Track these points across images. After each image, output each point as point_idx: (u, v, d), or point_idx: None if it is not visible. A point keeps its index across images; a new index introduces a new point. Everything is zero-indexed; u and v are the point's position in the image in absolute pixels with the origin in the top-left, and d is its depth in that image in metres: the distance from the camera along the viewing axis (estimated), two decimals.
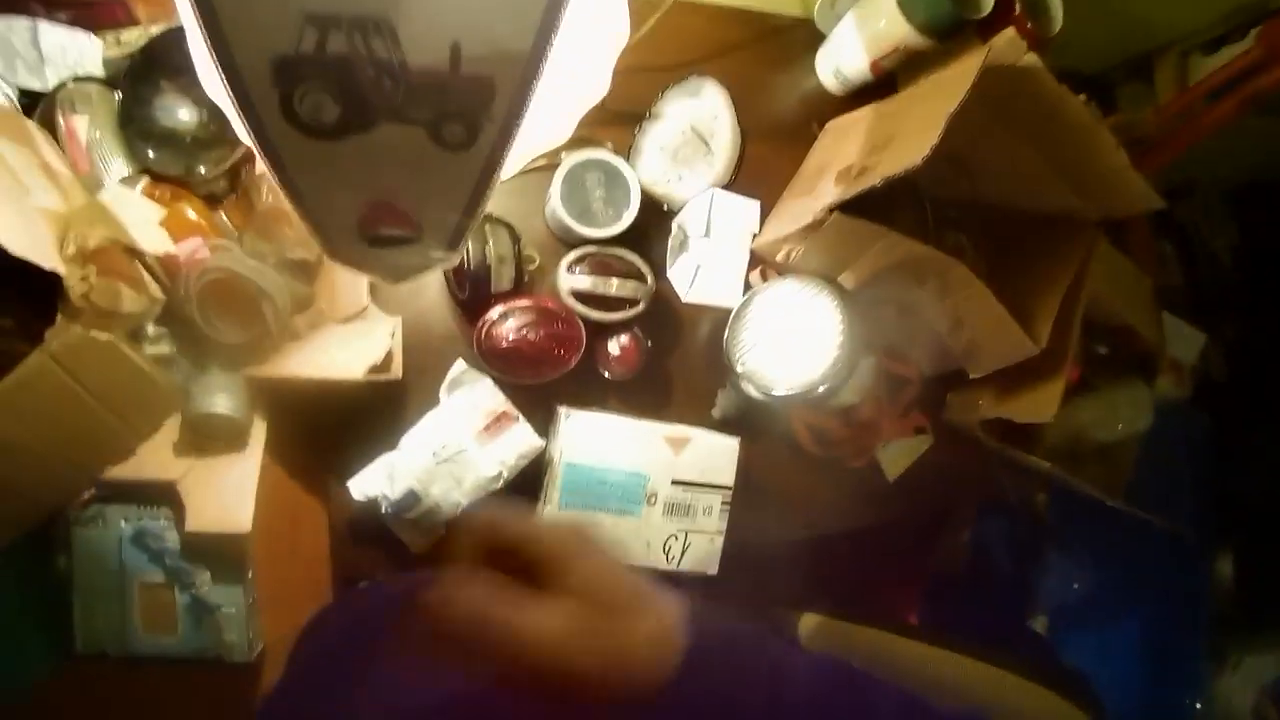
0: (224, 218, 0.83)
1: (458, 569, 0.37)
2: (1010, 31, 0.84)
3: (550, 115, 0.52)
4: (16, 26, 0.79)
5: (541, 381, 0.87)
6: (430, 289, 0.91)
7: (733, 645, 0.41)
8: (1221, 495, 1.51)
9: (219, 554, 0.81)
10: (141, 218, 0.75)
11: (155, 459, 0.79)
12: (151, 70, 0.81)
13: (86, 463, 0.67)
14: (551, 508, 0.84)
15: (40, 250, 0.60)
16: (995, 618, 1.57)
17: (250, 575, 0.82)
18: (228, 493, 0.80)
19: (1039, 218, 1.00)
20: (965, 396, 1.05)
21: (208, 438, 0.79)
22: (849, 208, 0.81)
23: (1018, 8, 0.97)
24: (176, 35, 0.80)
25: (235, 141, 0.80)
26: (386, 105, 0.48)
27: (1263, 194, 1.57)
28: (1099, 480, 1.09)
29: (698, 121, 0.97)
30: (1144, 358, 1.15)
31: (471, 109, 0.48)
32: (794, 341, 0.86)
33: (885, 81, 1.04)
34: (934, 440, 1.06)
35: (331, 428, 0.85)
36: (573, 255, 0.88)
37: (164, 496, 0.80)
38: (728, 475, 0.91)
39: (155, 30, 0.82)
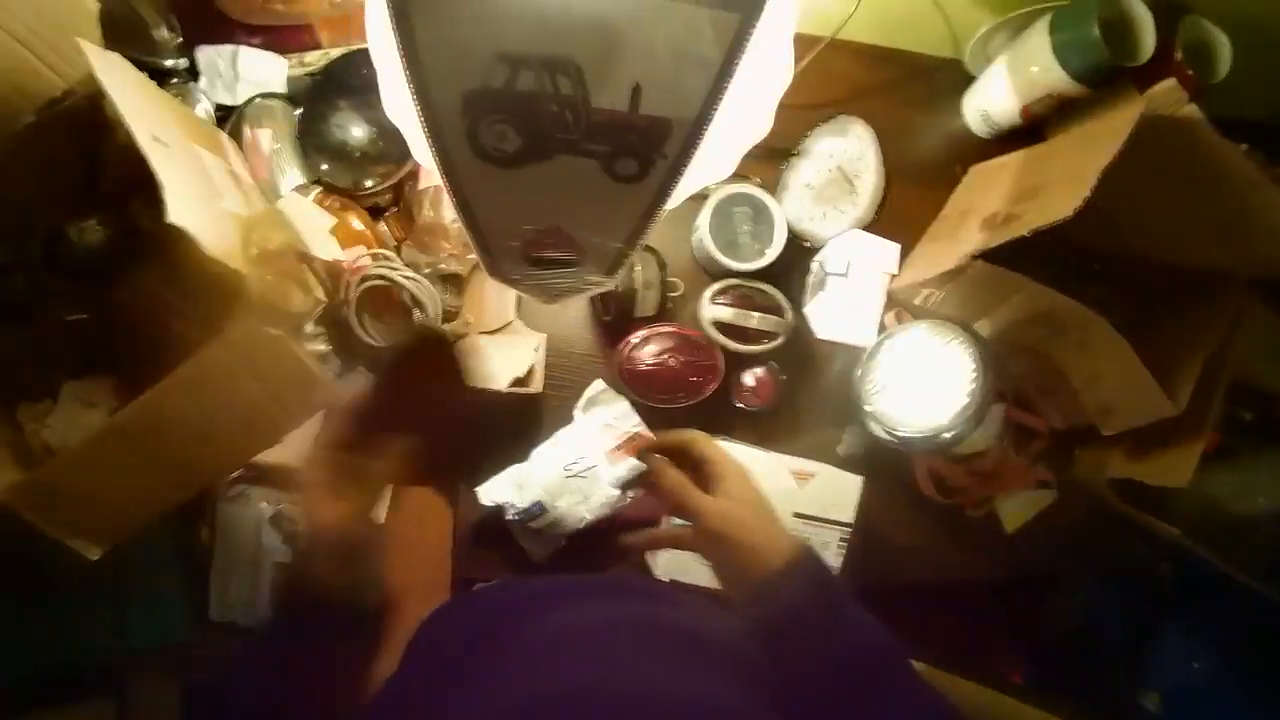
0: (385, 229, 0.89)
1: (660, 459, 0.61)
2: (1170, 81, 0.80)
3: (715, 153, 0.54)
4: (223, 52, 0.88)
5: (677, 406, 0.89)
6: (575, 309, 0.94)
7: (820, 583, 0.54)
8: None
9: None
10: (314, 225, 0.81)
11: (302, 448, 0.84)
12: (329, 89, 0.88)
13: (246, 443, 0.72)
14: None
15: (229, 250, 0.66)
16: (1103, 686, 1.49)
17: None
18: None
19: (1188, 274, 0.95)
20: (1095, 454, 1.00)
21: None
22: (991, 255, 0.80)
23: (1179, 54, 0.93)
24: (354, 58, 0.88)
25: (401, 158, 0.86)
26: (566, 139, 0.51)
27: None
28: (1234, 555, 1.02)
29: (844, 161, 0.98)
30: None
31: (646, 146, 0.51)
32: (924, 385, 0.85)
33: (1034, 127, 1.01)
34: (1057, 496, 1.02)
35: (468, 434, 0.89)
36: (716, 286, 0.90)
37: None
38: (848, 513, 0.91)
39: (335, 53, 0.89)
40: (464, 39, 0.47)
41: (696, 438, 0.61)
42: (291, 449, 0.81)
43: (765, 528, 0.56)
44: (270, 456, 0.80)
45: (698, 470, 0.60)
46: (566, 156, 0.52)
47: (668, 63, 0.47)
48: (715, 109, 0.49)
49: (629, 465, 0.86)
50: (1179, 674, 1.44)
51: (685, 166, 0.52)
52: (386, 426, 0.57)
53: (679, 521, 0.60)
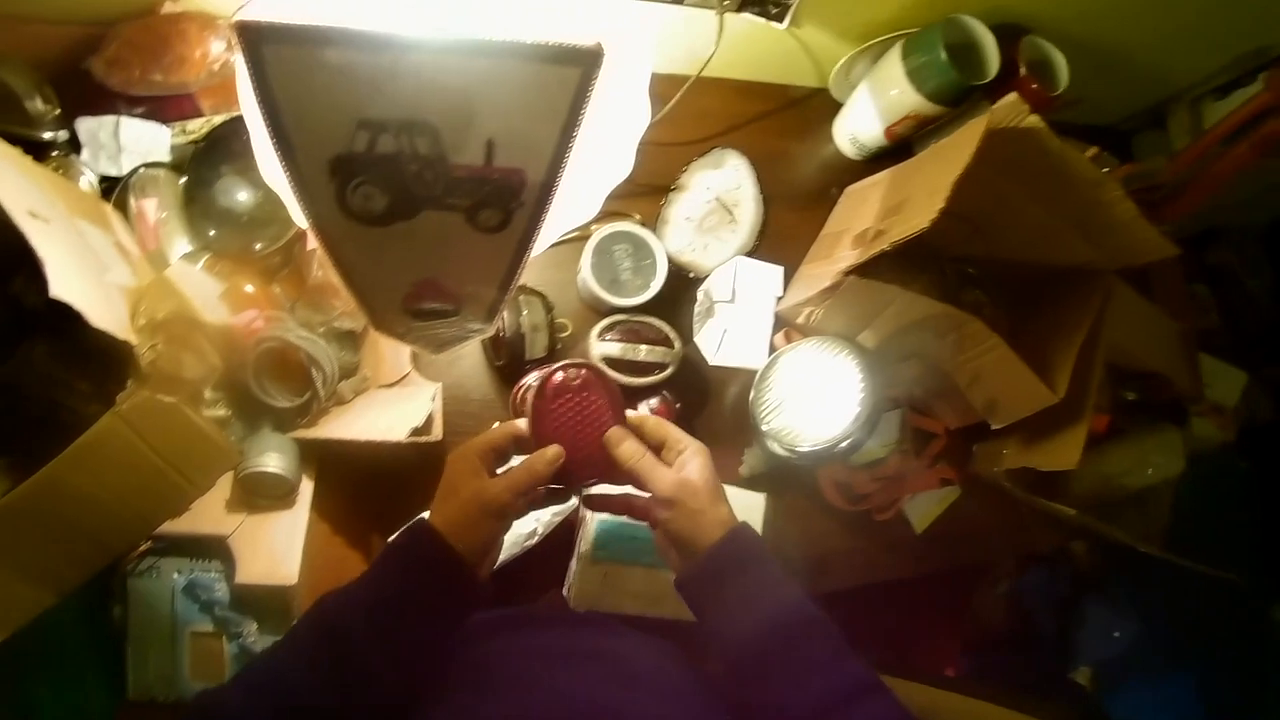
0: (277, 290, 0.89)
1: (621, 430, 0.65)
2: (1011, 96, 0.86)
3: (578, 196, 0.57)
4: (105, 123, 0.87)
5: None
6: (469, 357, 0.95)
7: (754, 554, 0.61)
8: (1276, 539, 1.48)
9: (267, 605, 0.85)
10: (204, 292, 0.81)
11: (209, 514, 0.83)
12: (213, 156, 0.88)
13: (148, 514, 0.71)
14: (584, 560, 0.87)
15: (117, 322, 0.66)
16: (1035, 670, 1.54)
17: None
18: (277, 547, 0.84)
19: (1055, 270, 1.02)
20: (990, 448, 1.06)
21: (259, 495, 0.84)
22: (867, 270, 0.84)
23: (1022, 70, 1.01)
24: (235, 124, 0.88)
25: (289, 221, 0.87)
26: (428, 195, 0.53)
27: None
28: (1134, 528, 1.08)
29: (722, 192, 1.02)
30: (1174, 403, 1.15)
31: (504, 196, 0.54)
32: (817, 400, 0.89)
33: (901, 146, 1.08)
34: (962, 492, 1.07)
35: (376, 486, 0.89)
36: (604, 323, 0.93)
37: (216, 550, 0.85)
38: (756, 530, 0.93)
39: (217, 120, 0.89)
40: (324, 108, 0.49)
41: (660, 421, 0.66)
42: (201, 516, 0.82)
43: (714, 502, 0.62)
44: (178, 526, 0.79)
45: (657, 450, 0.65)
46: (432, 212, 0.54)
47: (517, 118, 0.50)
48: (566, 157, 0.52)
49: None
50: (1103, 645, 1.51)
51: (544, 213, 0.55)
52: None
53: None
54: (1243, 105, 1.13)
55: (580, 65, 0.48)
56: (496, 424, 0.69)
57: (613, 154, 0.61)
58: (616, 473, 0.65)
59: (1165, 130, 1.29)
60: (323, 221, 0.54)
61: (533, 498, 0.64)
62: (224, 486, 0.85)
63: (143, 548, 0.85)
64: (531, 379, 0.83)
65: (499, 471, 0.63)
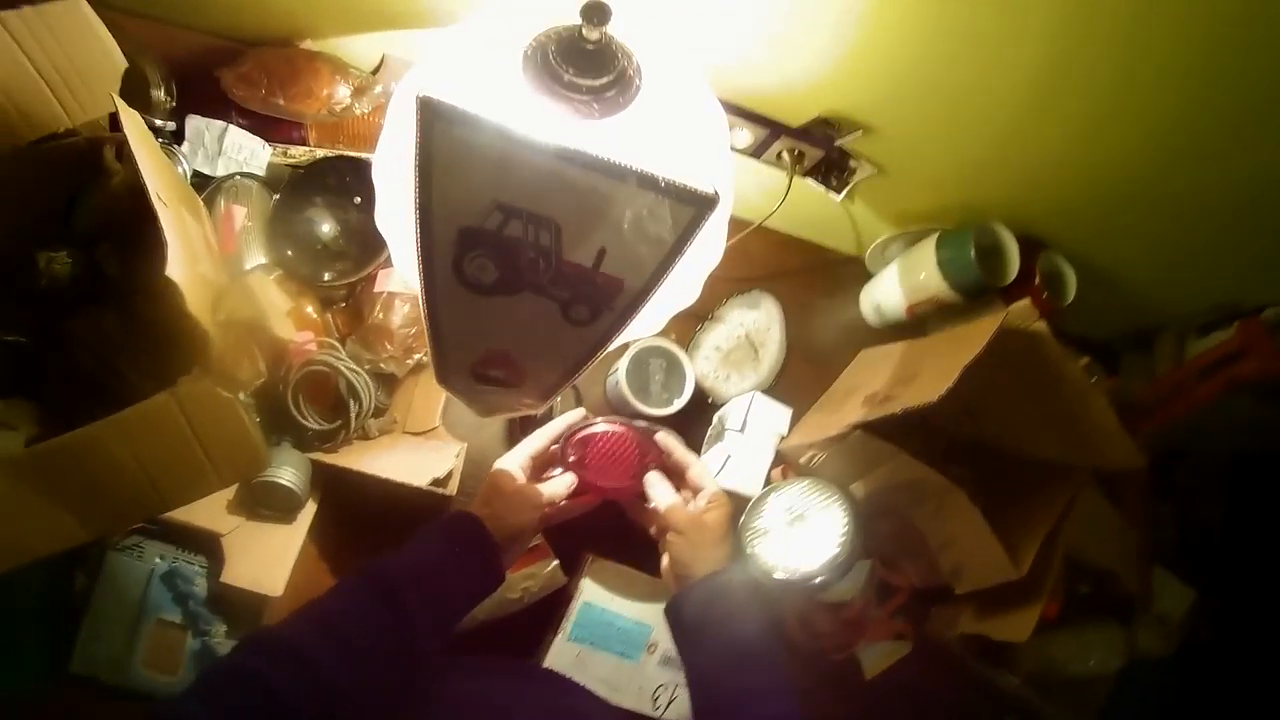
0: (331, 320, 0.94)
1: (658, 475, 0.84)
2: (1025, 301, 0.96)
3: (650, 312, 0.64)
4: (213, 125, 0.94)
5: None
6: (493, 426, 1.01)
7: (734, 589, 0.75)
8: None
9: (241, 610, 0.87)
10: (274, 304, 0.86)
11: (208, 509, 0.85)
12: (309, 185, 0.95)
13: (170, 496, 0.73)
14: (562, 637, 0.90)
15: (202, 313, 0.71)
16: None
17: None
18: (268, 557, 0.86)
19: (1033, 462, 1.08)
20: (948, 611, 1.10)
21: (264, 504, 0.87)
22: (870, 428, 0.91)
23: (1037, 279, 1.11)
24: (336, 163, 0.95)
25: (360, 260, 0.93)
26: (534, 281, 0.60)
27: (1252, 466, 1.67)
28: (1068, 713, 1.13)
29: (752, 330, 1.11)
30: (1123, 602, 1.21)
31: (599, 299, 0.61)
32: (801, 536, 0.94)
33: (916, 323, 1.17)
34: (913, 648, 1.11)
35: (373, 525, 0.90)
36: None
37: (205, 545, 0.86)
38: None
39: (320, 153, 0.96)
40: (471, 185, 0.56)
41: (701, 468, 0.85)
42: (200, 509, 0.83)
43: (715, 545, 0.78)
44: (178, 514, 0.81)
45: (681, 478, 0.84)
46: (531, 295, 0.61)
47: (631, 236, 0.57)
48: (662, 279, 0.59)
49: (528, 573, 0.91)
50: None
51: (629, 321, 0.62)
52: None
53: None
54: (1217, 346, 1.24)
55: (696, 205, 0.56)
56: (534, 434, 0.84)
57: (686, 283, 0.68)
58: (635, 500, 0.84)
59: (1151, 354, 1.39)
60: (433, 277, 0.60)
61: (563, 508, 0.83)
62: (230, 487, 0.86)
63: None
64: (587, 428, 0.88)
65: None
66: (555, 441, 0.85)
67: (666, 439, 0.86)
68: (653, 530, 0.84)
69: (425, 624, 0.64)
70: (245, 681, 0.54)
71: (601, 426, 0.86)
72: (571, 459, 0.84)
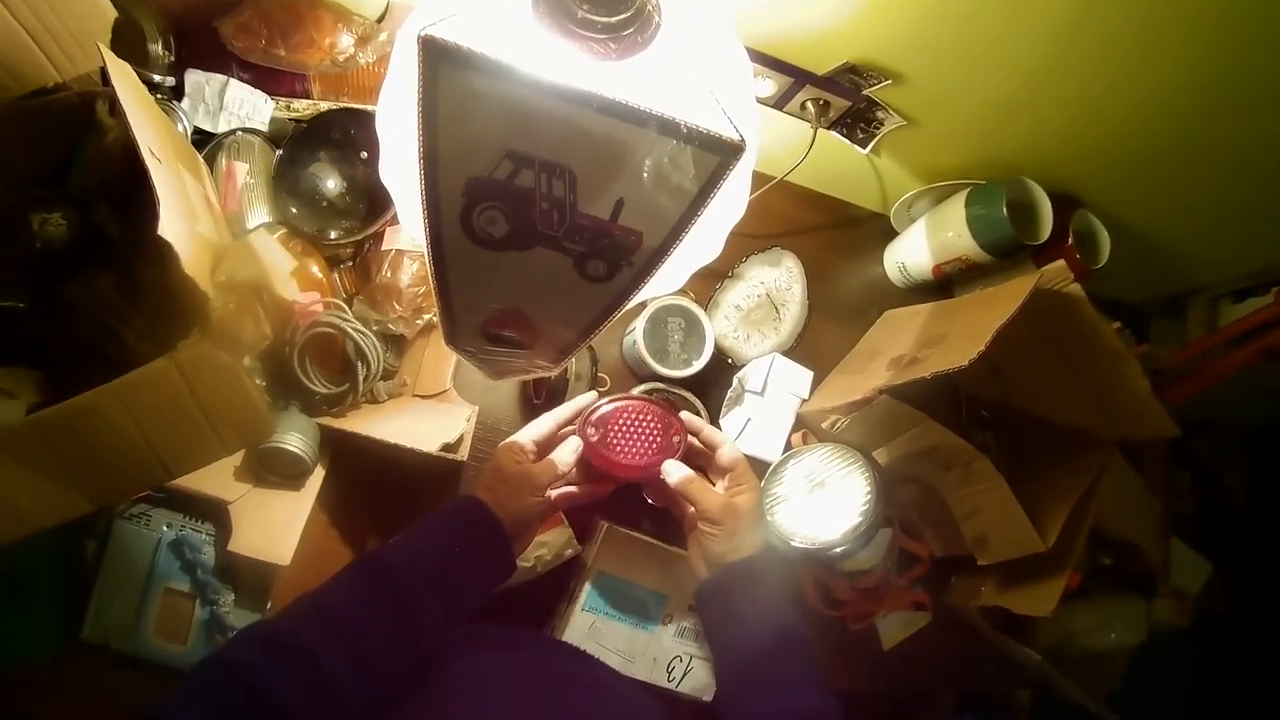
0: (339, 280, 0.92)
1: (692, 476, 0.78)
2: (1060, 262, 0.93)
3: (671, 269, 0.61)
4: (213, 80, 0.90)
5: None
6: (506, 389, 0.98)
7: (764, 575, 0.73)
8: None
9: (249, 579, 0.85)
10: (278, 264, 0.83)
11: (215, 477, 0.84)
12: (313, 139, 0.92)
13: (172, 464, 0.71)
14: (576, 607, 0.88)
15: (199, 273, 0.68)
16: None
17: (270, 606, 0.86)
18: (275, 524, 0.85)
19: (1061, 430, 1.07)
20: (969, 582, 1.09)
21: (271, 470, 0.85)
22: (894, 392, 0.88)
23: (1070, 239, 1.08)
24: (341, 115, 0.92)
25: (368, 217, 0.90)
26: (548, 234, 0.56)
27: (1276, 438, 1.65)
28: (1085, 685, 1.12)
29: (773, 289, 1.07)
30: (1145, 576, 1.20)
31: (617, 253, 0.57)
32: (821, 503, 0.92)
33: (943, 284, 1.14)
34: (932, 619, 1.10)
35: (383, 490, 0.90)
36: (642, 388, 0.97)
37: (213, 513, 0.85)
38: None
39: (324, 106, 0.93)
40: (480, 132, 0.53)
41: (730, 448, 0.80)
42: (207, 477, 0.81)
43: (750, 529, 0.75)
44: (182, 480, 0.78)
45: (709, 459, 0.81)
46: (545, 250, 0.57)
47: (652, 185, 0.54)
48: (685, 232, 0.56)
49: (542, 540, 0.89)
50: None
51: (649, 277, 0.58)
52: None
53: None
54: (1254, 313, 1.21)
55: (721, 154, 0.52)
56: (543, 416, 0.80)
57: (708, 238, 0.65)
58: (656, 482, 0.80)
59: (1183, 320, 1.36)
60: (440, 232, 0.57)
61: (581, 491, 0.81)
62: (237, 454, 0.85)
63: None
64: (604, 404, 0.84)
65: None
66: (562, 425, 0.81)
67: (689, 418, 0.82)
68: (677, 512, 0.81)
69: (429, 614, 0.62)
70: (238, 677, 0.53)
71: (620, 402, 0.81)
72: (594, 438, 0.80)
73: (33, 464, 0.67)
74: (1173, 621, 1.33)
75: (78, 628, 0.83)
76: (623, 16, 0.54)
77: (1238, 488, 1.58)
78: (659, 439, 0.81)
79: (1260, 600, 1.57)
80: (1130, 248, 1.13)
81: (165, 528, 0.85)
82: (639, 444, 0.80)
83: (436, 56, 0.50)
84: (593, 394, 0.84)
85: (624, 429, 0.80)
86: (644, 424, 0.81)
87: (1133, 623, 1.15)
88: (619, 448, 0.80)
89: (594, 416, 0.81)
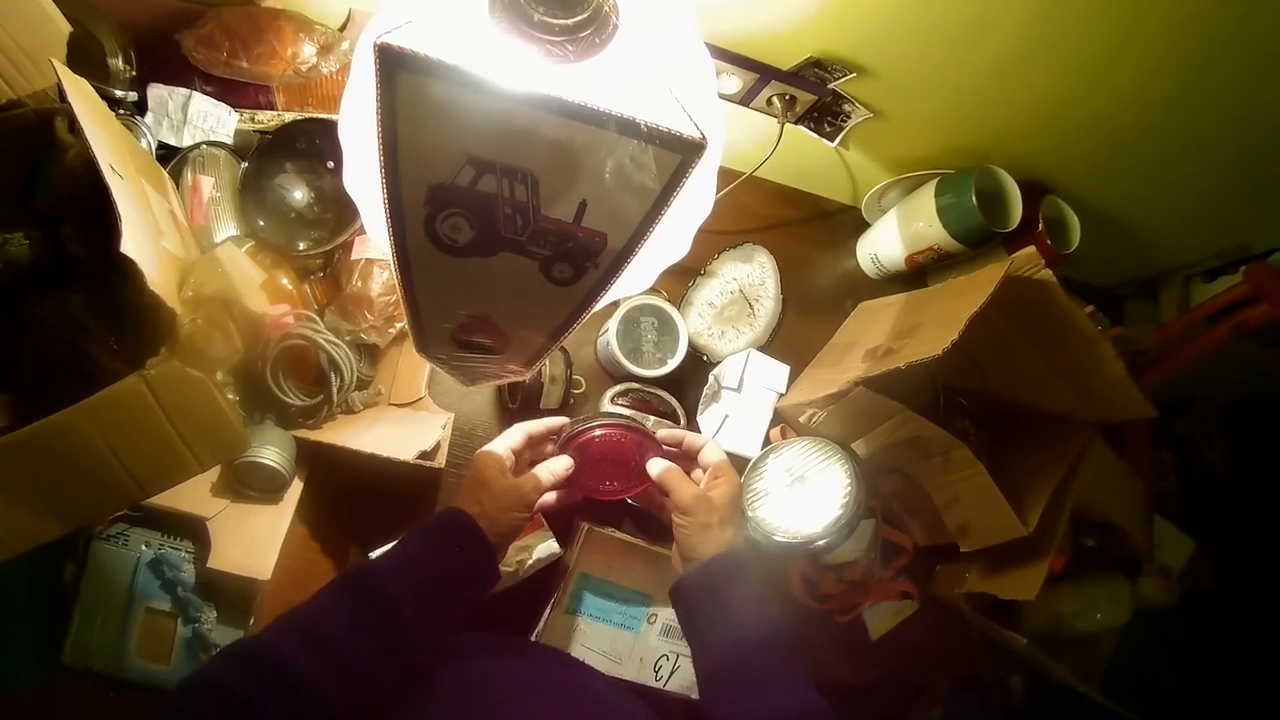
0: (309, 291, 0.91)
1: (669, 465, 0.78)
2: (1030, 249, 0.93)
3: (638, 268, 0.61)
4: (176, 94, 0.90)
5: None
6: (481, 395, 0.97)
7: (739, 570, 0.71)
8: (1202, 703, 1.52)
9: (231, 595, 0.85)
10: (246, 277, 0.82)
11: (192, 493, 0.83)
12: (278, 151, 0.91)
13: (147, 482, 0.70)
14: (559, 610, 0.88)
15: (166, 289, 0.67)
16: None
17: (253, 622, 0.85)
18: (255, 539, 0.84)
19: (1039, 414, 1.08)
20: (953, 569, 1.10)
21: (249, 485, 0.84)
22: (871, 383, 0.89)
23: (1040, 225, 1.09)
24: (305, 125, 0.91)
25: (336, 227, 0.89)
26: (512, 239, 0.56)
27: (1256, 413, 1.67)
28: (1075, 667, 1.12)
29: (746, 285, 1.07)
30: (1129, 556, 1.20)
31: (582, 255, 0.57)
32: (801, 497, 0.92)
33: (916, 274, 1.14)
34: (919, 608, 1.10)
35: (361, 500, 0.89)
36: (617, 388, 0.96)
37: (191, 530, 0.84)
38: None
39: (289, 117, 0.92)
40: (440, 139, 0.52)
41: (712, 446, 0.80)
42: (184, 494, 0.81)
43: (723, 524, 0.73)
44: (159, 498, 0.79)
45: (693, 462, 0.80)
46: (510, 254, 0.57)
47: (614, 186, 0.54)
48: (649, 232, 0.55)
49: (523, 544, 0.88)
50: None
51: (615, 278, 0.58)
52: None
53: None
54: (1225, 291, 1.22)
55: (682, 152, 0.52)
56: (516, 426, 0.79)
57: (676, 235, 0.65)
58: (635, 487, 0.80)
59: (1157, 301, 1.37)
60: (404, 240, 0.57)
61: (558, 498, 0.81)
62: (213, 469, 0.84)
63: (116, 512, 0.84)
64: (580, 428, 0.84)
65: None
66: (534, 437, 0.80)
67: (669, 433, 0.82)
68: (664, 518, 0.80)
69: (417, 627, 0.62)
70: (220, 695, 0.52)
71: (598, 431, 0.81)
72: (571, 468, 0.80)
73: (3, 488, 0.66)
74: (1160, 599, 1.34)
75: (58, 653, 0.82)
76: (579, 18, 0.54)
77: (1219, 463, 1.60)
78: (635, 462, 0.81)
79: (1245, 572, 1.60)
80: (1101, 232, 1.14)
81: (144, 547, 0.84)
82: (615, 470, 0.81)
83: (393, 64, 0.49)
84: (563, 419, 0.84)
85: (601, 456, 0.81)
86: (621, 451, 0.81)
87: (1118, 602, 1.16)
88: (595, 474, 0.81)
89: (571, 445, 0.81)
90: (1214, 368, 1.32)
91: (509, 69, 0.51)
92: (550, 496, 0.81)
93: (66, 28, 0.74)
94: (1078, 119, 0.97)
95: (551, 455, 0.80)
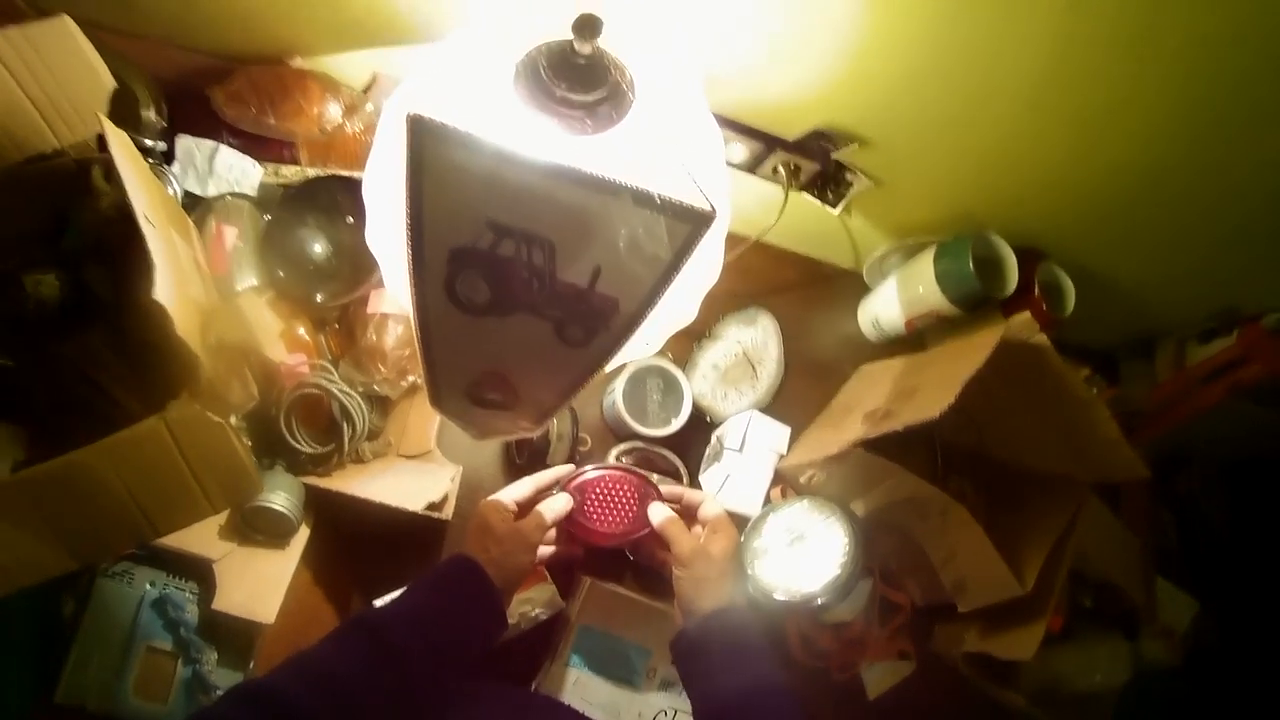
0: (324, 342, 0.93)
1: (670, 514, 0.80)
2: (1026, 314, 0.95)
3: (648, 332, 0.63)
4: (203, 145, 0.93)
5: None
6: (489, 449, 0.99)
7: (737, 627, 0.72)
8: None
9: (233, 638, 0.85)
10: (266, 326, 0.85)
11: (200, 535, 0.84)
12: (300, 204, 0.94)
13: (160, 522, 0.72)
14: (560, 662, 0.88)
15: (192, 335, 0.69)
16: None
17: (253, 666, 0.86)
18: (260, 583, 0.85)
19: (1036, 474, 1.08)
20: (952, 629, 1.09)
21: (256, 529, 0.85)
22: (870, 445, 0.90)
23: (1036, 290, 1.11)
24: (328, 182, 0.94)
25: (354, 281, 0.91)
26: (528, 301, 0.59)
27: (1254, 471, 1.67)
28: None
29: (749, 347, 1.10)
30: (1128, 615, 1.20)
31: (595, 319, 0.59)
32: (801, 556, 0.93)
33: (915, 337, 1.16)
34: (916, 667, 1.10)
35: (367, 549, 0.90)
36: (622, 446, 0.99)
37: (196, 571, 0.85)
38: None
39: (312, 173, 0.95)
40: (463, 204, 0.55)
41: (711, 502, 0.81)
42: (191, 535, 0.82)
43: (720, 577, 0.74)
44: (168, 540, 0.79)
45: (693, 518, 0.81)
46: (525, 315, 0.60)
47: (627, 254, 0.56)
48: (659, 298, 0.58)
49: (526, 596, 0.89)
50: None
51: (625, 341, 0.60)
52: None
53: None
54: (1219, 352, 1.24)
55: (693, 223, 0.55)
56: (523, 479, 0.81)
57: (684, 302, 0.67)
58: (638, 542, 0.82)
59: (1152, 361, 1.39)
60: (425, 298, 0.59)
61: (558, 548, 0.82)
62: (222, 512, 0.84)
63: None
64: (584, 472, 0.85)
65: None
66: (541, 489, 0.81)
67: (670, 489, 0.83)
68: (666, 573, 0.81)
69: (422, 674, 0.63)
70: None
71: (597, 472, 0.83)
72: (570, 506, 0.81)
73: (17, 521, 0.67)
74: (1165, 660, 1.33)
75: (50, 690, 0.82)
76: (598, 95, 0.57)
77: (1219, 521, 1.60)
78: (635, 508, 0.82)
79: (1249, 631, 1.58)
80: (1096, 295, 1.16)
81: (148, 585, 0.85)
82: (615, 513, 0.82)
83: (422, 133, 0.52)
84: (569, 466, 0.85)
85: (601, 498, 0.82)
86: (621, 493, 0.82)
87: (1117, 662, 1.15)
88: (595, 516, 0.82)
89: (572, 484, 0.82)
90: (1213, 426, 1.33)
91: (530, 140, 0.54)
92: (550, 549, 0.82)
93: (111, 83, 0.78)
94: (1073, 187, 1.00)
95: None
